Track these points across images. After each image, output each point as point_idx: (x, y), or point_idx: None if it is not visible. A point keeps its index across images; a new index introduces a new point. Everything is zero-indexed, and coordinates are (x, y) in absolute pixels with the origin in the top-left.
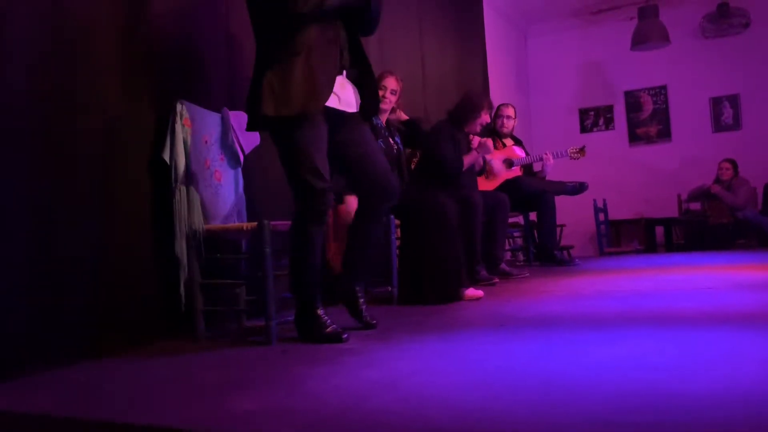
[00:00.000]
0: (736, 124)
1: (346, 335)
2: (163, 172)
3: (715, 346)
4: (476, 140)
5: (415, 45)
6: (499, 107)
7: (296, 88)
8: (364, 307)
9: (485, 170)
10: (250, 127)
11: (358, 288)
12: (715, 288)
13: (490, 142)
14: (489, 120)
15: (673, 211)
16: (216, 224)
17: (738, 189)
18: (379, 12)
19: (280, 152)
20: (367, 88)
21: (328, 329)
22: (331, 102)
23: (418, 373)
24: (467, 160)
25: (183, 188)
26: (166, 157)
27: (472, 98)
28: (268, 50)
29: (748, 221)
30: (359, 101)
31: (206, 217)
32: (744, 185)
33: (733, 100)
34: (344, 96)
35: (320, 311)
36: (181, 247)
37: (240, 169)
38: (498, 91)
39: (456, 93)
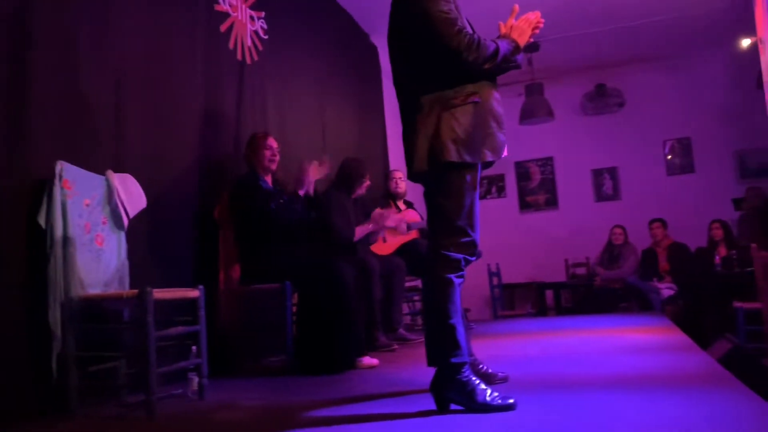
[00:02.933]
0: (616, 195)
1: None
2: (40, 237)
3: (595, 411)
4: (375, 212)
5: (316, 113)
6: (391, 171)
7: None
8: None
9: (384, 235)
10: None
11: None
12: (598, 352)
13: (388, 212)
14: (370, 183)
15: (561, 276)
16: (95, 292)
17: (627, 257)
18: None
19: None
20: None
21: None
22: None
23: None
24: (360, 231)
25: (59, 253)
26: (42, 221)
27: (354, 166)
28: None
29: (631, 286)
30: None
31: (85, 284)
32: (633, 253)
33: (612, 172)
34: None
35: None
36: (55, 317)
37: (124, 234)
38: (398, 158)
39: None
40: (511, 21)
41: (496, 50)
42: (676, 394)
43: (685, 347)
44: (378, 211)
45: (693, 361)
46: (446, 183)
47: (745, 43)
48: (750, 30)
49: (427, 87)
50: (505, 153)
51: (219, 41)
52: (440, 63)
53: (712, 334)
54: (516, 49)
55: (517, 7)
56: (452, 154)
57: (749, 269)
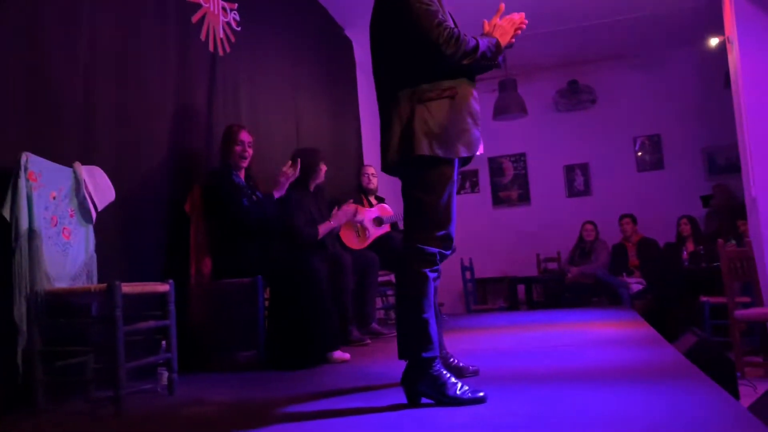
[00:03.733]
0: (587, 190)
1: None
2: (4, 230)
3: (562, 403)
4: (335, 210)
5: (290, 107)
6: (362, 167)
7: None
8: None
9: (357, 229)
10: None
11: None
12: (567, 345)
13: (350, 208)
14: (326, 167)
15: (533, 270)
16: (62, 286)
17: (599, 252)
18: None
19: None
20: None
21: None
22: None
23: None
24: (323, 229)
25: (25, 247)
26: (6, 213)
27: (305, 157)
28: None
29: (601, 280)
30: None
31: (52, 278)
32: (604, 249)
33: (584, 168)
34: None
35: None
36: (20, 312)
37: (92, 227)
38: (372, 153)
39: (331, 154)
40: (496, 20)
41: (476, 46)
42: (642, 386)
43: (653, 341)
44: (335, 210)
45: (659, 355)
46: (422, 177)
47: (714, 42)
48: (719, 29)
49: (404, 80)
50: (481, 150)
51: (190, 32)
52: (419, 55)
53: (679, 328)
54: (497, 48)
55: (503, 5)
56: (424, 148)
57: (715, 264)
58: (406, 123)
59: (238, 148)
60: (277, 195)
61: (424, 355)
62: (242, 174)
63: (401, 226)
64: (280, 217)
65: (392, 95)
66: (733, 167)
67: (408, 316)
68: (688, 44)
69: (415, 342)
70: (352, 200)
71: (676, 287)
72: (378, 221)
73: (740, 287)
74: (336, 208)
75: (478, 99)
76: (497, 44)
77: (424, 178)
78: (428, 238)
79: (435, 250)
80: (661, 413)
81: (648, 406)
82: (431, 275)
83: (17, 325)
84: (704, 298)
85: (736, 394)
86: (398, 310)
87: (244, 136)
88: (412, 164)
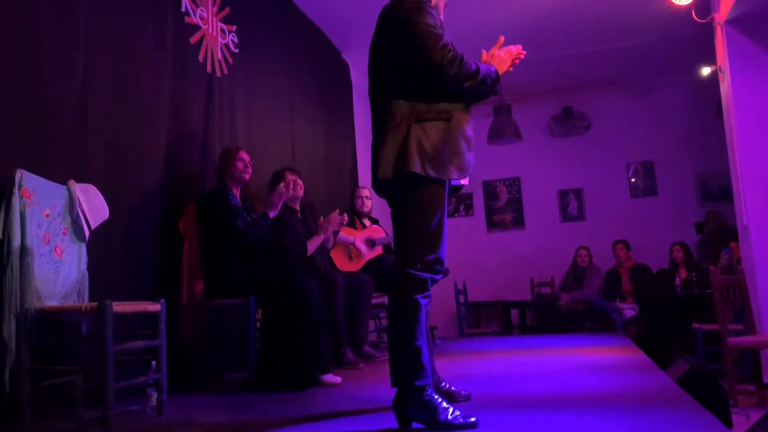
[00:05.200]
0: (581, 215)
1: None
2: None
3: (555, 430)
4: (321, 219)
5: (286, 128)
6: (356, 189)
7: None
8: None
9: (350, 252)
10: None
11: None
12: (560, 371)
13: (335, 215)
14: (297, 178)
15: (526, 295)
16: (53, 304)
17: (592, 278)
18: None
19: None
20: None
21: None
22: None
23: None
24: (312, 244)
25: (16, 264)
26: None
27: (274, 175)
28: None
29: (594, 306)
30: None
31: (43, 296)
32: (597, 274)
33: (578, 194)
34: None
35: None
36: (9, 329)
37: (85, 245)
38: (367, 175)
39: (325, 177)
40: (494, 50)
41: (477, 70)
42: (632, 413)
43: (645, 367)
44: (321, 220)
45: (651, 381)
46: (412, 197)
47: (706, 71)
48: (711, 59)
49: (402, 99)
50: (465, 181)
51: (188, 53)
52: (421, 75)
53: (672, 354)
54: (496, 76)
55: (502, 38)
56: (416, 166)
57: (708, 291)
58: (402, 142)
59: (239, 165)
60: (272, 215)
61: (417, 383)
62: (238, 194)
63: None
64: (274, 237)
65: (389, 113)
66: (726, 194)
67: (400, 344)
68: (681, 72)
69: (408, 370)
70: (338, 210)
71: (669, 313)
72: (371, 243)
73: (733, 314)
74: (322, 218)
75: (473, 126)
76: (496, 72)
77: (414, 198)
78: (418, 262)
79: (426, 275)
80: None
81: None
82: (423, 301)
83: (6, 343)
84: (697, 325)
85: (729, 423)
86: (390, 337)
87: (244, 155)
88: (403, 183)
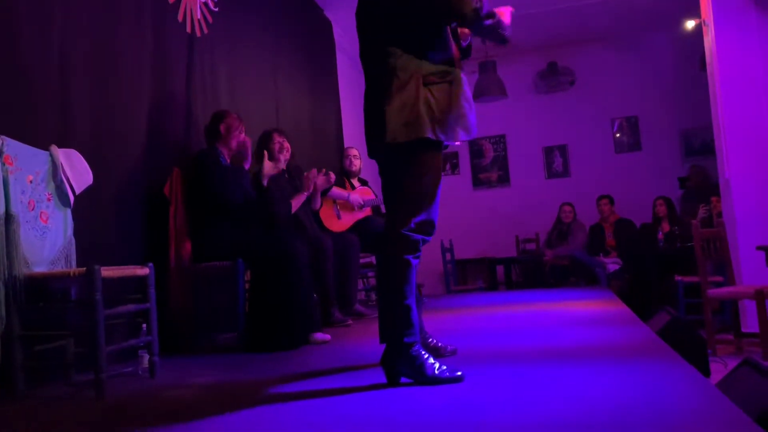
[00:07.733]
0: (566, 172)
1: None
2: None
3: (538, 382)
4: (304, 175)
5: (269, 88)
6: (345, 149)
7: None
8: None
9: (338, 211)
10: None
11: None
12: (545, 325)
13: (313, 172)
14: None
15: (512, 251)
16: (40, 270)
17: (576, 233)
18: None
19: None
20: None
21: None
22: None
23: None
24: (295, 202)
25: (1, 231)
26: None
27: (260, 137)
28: None
29: (578, 261)
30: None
31: (30, 262)
32: (581, 230)
33: (563, 150)
34: None
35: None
36: None
37: (70, 211)
38: (352, 135)
39: (311, 138)
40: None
41: (492, 11)
42: (615, 364)
43: (628, 320)
44: (306, 174)
45: (633, 333)
46: (417, 160)
47: (690, 25)
48: (695, 13)
49: (405, 54)
50: (474, 134)
51: (167, 13)
52: (436, 17)
53: (654, 307)
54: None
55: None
56: (429, 131)
57: (690, 244)
58: (412, 105)
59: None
60: (247, 166)
61: (406, 340)
62: (226, 154)
63: (383, 209)
64: (261, 199)
65: (391, 72)
66: (709, 149)
67: (390, 302)
68: (666, 27)
69: (397, 327)
70: (317, 167)
71: (652, 267)
72: (359, 204)
73: (713, 267)
74: (306, 173)
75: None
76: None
77: (419, 161)
78: (412, 223)
79: (419, 237)
80: (635, 391)
81: (621, 384)
82: (414, 261)
83: None
84: (678, 278)
85: (706, 372)
86: (379, 295)
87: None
88: (411, 147)
